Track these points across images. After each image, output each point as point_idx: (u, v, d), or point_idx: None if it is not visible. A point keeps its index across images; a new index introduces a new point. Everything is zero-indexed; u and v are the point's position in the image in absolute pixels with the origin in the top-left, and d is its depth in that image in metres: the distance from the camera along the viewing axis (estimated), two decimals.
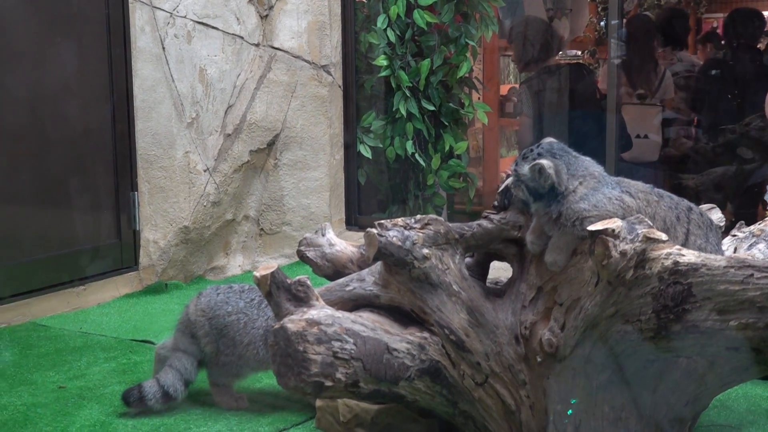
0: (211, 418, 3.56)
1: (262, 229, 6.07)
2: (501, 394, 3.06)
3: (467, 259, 3.24)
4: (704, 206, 3.33)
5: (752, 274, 2.56)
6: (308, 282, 2.99)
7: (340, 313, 2.99)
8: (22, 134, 5.04)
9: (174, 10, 5.41)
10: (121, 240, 5.47)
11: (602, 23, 8.23)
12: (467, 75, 6.22)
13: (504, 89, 8.31)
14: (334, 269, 3.55)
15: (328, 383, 2.85)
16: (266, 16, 5.86)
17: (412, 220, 3.07)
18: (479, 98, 6.81)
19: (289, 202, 6.05)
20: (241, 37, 5.70)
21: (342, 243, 3.62)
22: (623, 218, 2.80)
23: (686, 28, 7.21)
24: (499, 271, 3.44)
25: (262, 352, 3.54)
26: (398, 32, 6.03)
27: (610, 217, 2.80)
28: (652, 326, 2.70)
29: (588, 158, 3.02)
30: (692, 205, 3.09)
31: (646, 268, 2.68)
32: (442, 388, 3.05)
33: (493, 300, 3.15)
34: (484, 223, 3.16)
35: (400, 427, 3.30)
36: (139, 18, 5.34)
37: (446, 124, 6.16)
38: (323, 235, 3.63)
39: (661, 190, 3.04)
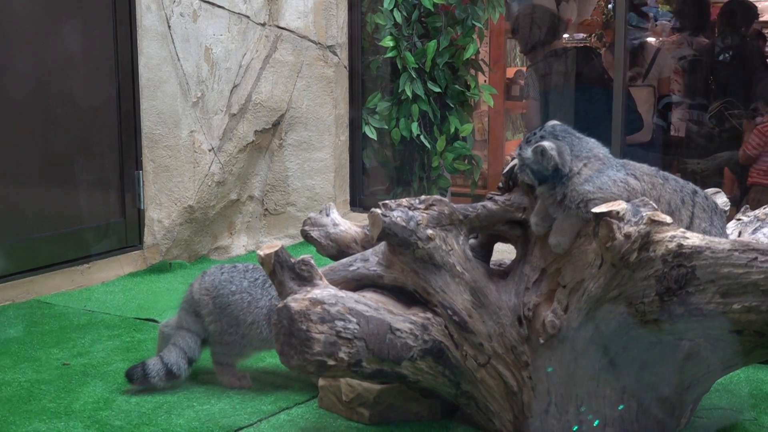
0: (213, 397, 3.57)
1: (266, 210, 6.07)
2: (503, 375, 3.07)
3: (471, 241, 3.24)
4: (709, 190, 3.32)
5: (756, 258, 2.56)
6: (312, 261, 2.99)
7: (343, 293, 2.99)
8: (28, 112, 5.04)
9: None
10: (125, 219, 5.47)
11: (610, 6, 8.19)
12: (473, 57, 6.20)
13: (510, 72, 8.28)
14: (338, 249, 3.55)
15: (331, 362, 2.86)
16: None
17: (417, 201, 3.07)
18: (485, 80, 6.78)
19: (294, 183, 6.05)
20: (247, 17, 5.68)
21: (346, 223, 3.62)
22: (628, 201, 2.80)
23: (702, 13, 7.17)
24: (503, 253, 3.44)
25: (265, 331, 3.55)
26: (405, 13, 6.01)
27: (615, 200, 2.80)
28: (655, 309, 2.70)
29: (593, 140, 3.01)
30: (697, 188, 3.08)
31: (650, 251, 2.68)
32: (445, 369, 3.06)
33: (497, 281, 3.16)
34: (489, 204, 3.15)
35: (402, 407, 3.31)
36: None
37: (452, 106, 6.14)
38: (327, 215, 3.63)
39: (666, 173, 3.04)
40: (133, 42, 5.36)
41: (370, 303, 3.01)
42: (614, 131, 5.60)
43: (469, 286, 3.06)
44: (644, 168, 3.00)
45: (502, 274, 3.22)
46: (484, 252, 3.29)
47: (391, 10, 5.97)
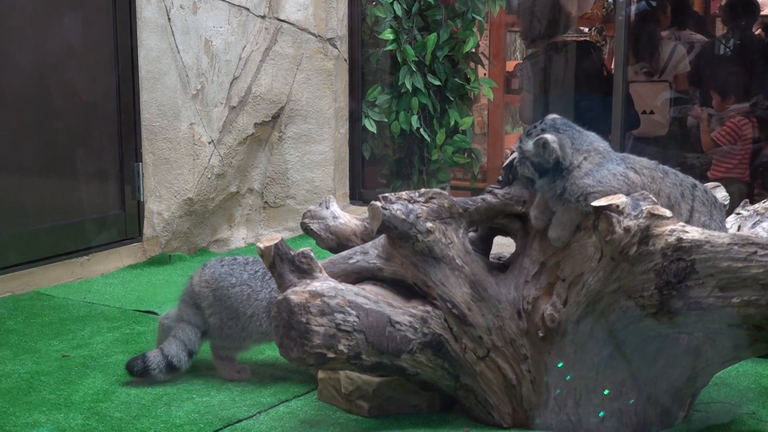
0: (213, 389, 3.57)
1: (266, 202, 6.07)
2: (502, 368, 3.08)
3: (471, 234, 3.24)
4: (709, 184, 3.33)
5: (755, 252, 2.56)
6: (311, 254, 2.99)
7: (343, 286, 3.00)
8: (27, 104, 5.04)
9: None
10: (125, 211, 5.47)
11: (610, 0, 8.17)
12: (473, 50, 6.20)
13: (510, 65, 8.27)
14: (337, 242, 3.55)
15: (331, 355, 2.86)
16: None
17: (416, 194, 3.07)
18: (485, 74, 6.78)
19: (294, 176, 6.04)
20: (247, 9, 5.68)
21: (346, 216, 3.62)
22: (628, 194, 2.80)
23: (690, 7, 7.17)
24: (503, 247, 3.45)
25: (265, 323, 3.55)
26: (405, 6, 6.00)
27: (615, 193, 2.80)
28: (654, 302, 2.70)
29: (593, 133, 3.02)
30: (697, 182, 3.09)
31: (650, 245, 2.69)
32: (444, 362, 3.06)
33: (496, 274, 3.16)
34: (488, 197, 3.16)
35: (402, 400, 3.31)
36: None
37: (452, 99, 6.14)
38: (327, 208, 3.63)
39: (666, 167, 3.04)
40: (133, 34, 5.35)
41: (369, 296, 3.02)
42: (614, 126, 5.60)
43: (469, 279, 3.06)
44: (644, 162, 3.00)
45: (502, 267, 3.23)
46: (483, 245, 3.30)
47: (391, 3, 5.96)
